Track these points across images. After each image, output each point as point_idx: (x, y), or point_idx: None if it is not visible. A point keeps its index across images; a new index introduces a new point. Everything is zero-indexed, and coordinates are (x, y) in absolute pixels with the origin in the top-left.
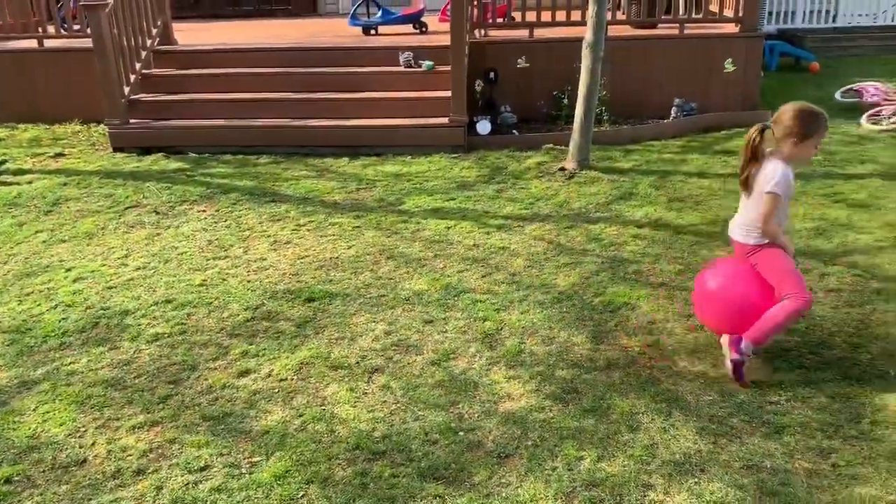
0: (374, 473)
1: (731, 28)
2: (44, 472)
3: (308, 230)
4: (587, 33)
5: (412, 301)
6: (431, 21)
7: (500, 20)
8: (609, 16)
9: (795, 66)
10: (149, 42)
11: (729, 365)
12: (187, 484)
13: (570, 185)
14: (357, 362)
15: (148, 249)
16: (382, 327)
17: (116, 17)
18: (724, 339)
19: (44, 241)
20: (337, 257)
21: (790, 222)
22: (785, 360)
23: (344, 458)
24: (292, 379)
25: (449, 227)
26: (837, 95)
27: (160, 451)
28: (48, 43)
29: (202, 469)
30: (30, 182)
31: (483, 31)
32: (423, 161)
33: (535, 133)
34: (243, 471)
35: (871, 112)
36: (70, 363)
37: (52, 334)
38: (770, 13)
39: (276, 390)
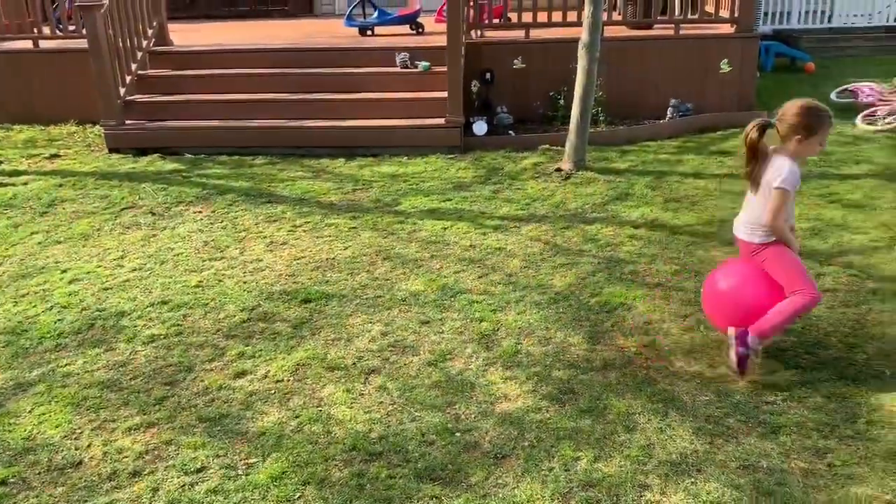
0: (370, 474)
1: (727, 29)
2: (39, 474)
3: (304, 231)
4: (583, 34)
5: (409, 302)
6: (428, 22)
7: (496, 21)
8: (605, 16)
9: (791, 67)
10: (144, 43)
11: (733, 357)
12: (183, 485)
13: (566, 186)
14: (353, 363)
15: (144, 251)
16: (379, 328)
17: (112, 17)
18: (731, 331)
19: (39, 243)
20: (333, 258)
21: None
22: (781, 361)
23: (340, 459)
24: (289, 380)
25: (445, 228)
26: (833, 96)
27: (156, 452)
28: (43, 44)
29: (198, 470)
30: (25, 183)
31: (479, 32)
32: (420, 162)
33: (531, 134)
34: (240, 472)
35: (866, 112)
36: (66, 365)
37: (48, 336)
38: (766, 13)
39: (273, 391)
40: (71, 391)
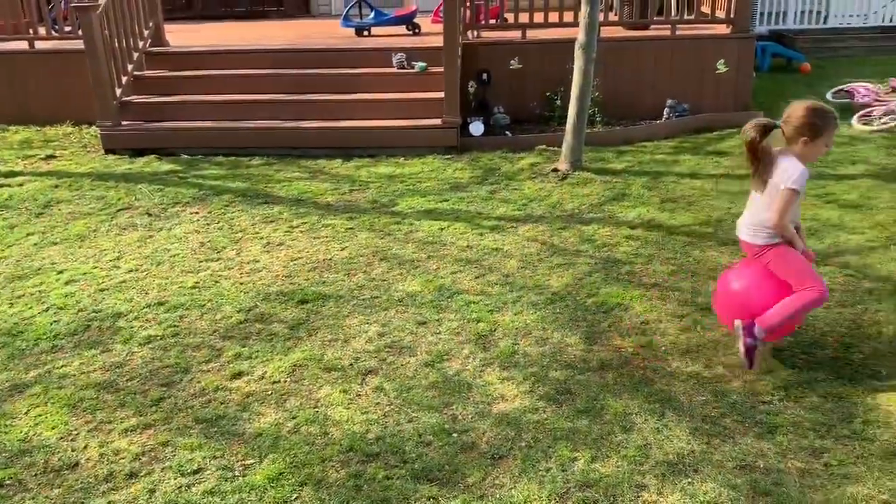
0: (367, 475)
1: (723, 29)
2: (35, 475)
3: (301, 232)
4: (579, 34)
5: (405, 302)
6: (424, 22)
7: (492, 21)
8: (601, 17)
9: (787, 67)
10: (140, 43)
11: (741, 349)
12: (180, 487)
13: (562, 186)
14: (350, 364)
15: (140, 251)
16: (376, 329)
17: (108, 18)
18: (737, 323)
19: (35, 244)
20: (330, 259)
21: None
22: (777, 360)
23: (337, 460)
24: (285, 381)
25: (442, 229)
26: (829, 96)
27: (153, 453)
28: (39, 44)
29: (195, 472)
30: (21, 184)
31: (476, 33)
32: (417, 162)
33: (527, 134)
34: (236, 473)
35: (862, 113)
36: (62, 366)
37: (44, 337)
38: (762, 14)
39: (270, 392)
40: (67, 392)
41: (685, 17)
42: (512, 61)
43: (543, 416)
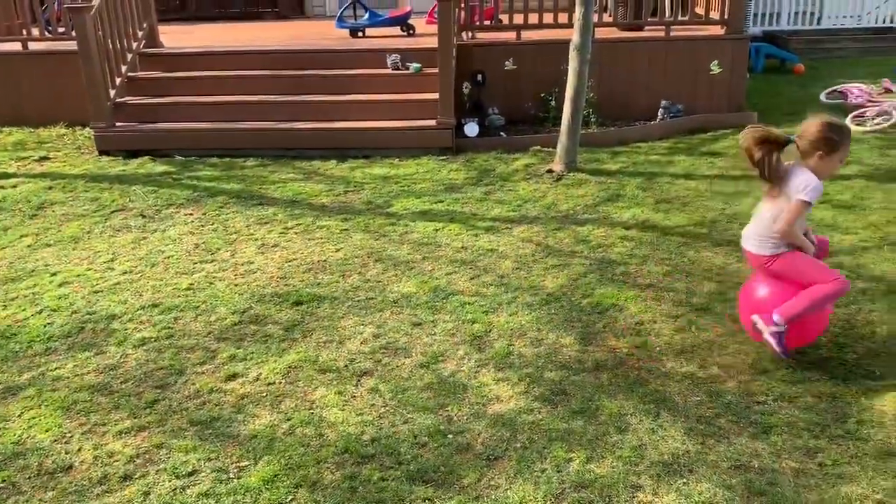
0: (363, 477)
1: (717, 30)
2: (29, 478)
3: (296, 233)
4: (574, 35)
5: (400, 304)
6: (419, 23)
7: (487, 22)
8: (596, 18)
9: (781, 68)
10: (134, 45)
11: (770, 339)
12: (175, 489)
13: (557, 187)
14: (345, 365)
15: (134, 253)
16: (371, 330)
17: (101, 19)
18: (755, 318)
19: (29, 246)
20: (325, 260)
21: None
22: (772, 361)
23: (333, 462)
24: (280, 383)
25: (437, 230)
26: (822, 97)
27: (147, 456)
28: (32, 45)
29: (190, 474)
30: (14, 186)
31: (470, 34)
32: (411, 163)
33: (522, 135)
34: (231, 475)
35: (855, 113)
36: (56, 368)
37: (38, 339)
38: (755, 15)
39: (264, 394)
40: (61, 395)
41: (679, 18)
42: (507, 62)
43: (538, 416)
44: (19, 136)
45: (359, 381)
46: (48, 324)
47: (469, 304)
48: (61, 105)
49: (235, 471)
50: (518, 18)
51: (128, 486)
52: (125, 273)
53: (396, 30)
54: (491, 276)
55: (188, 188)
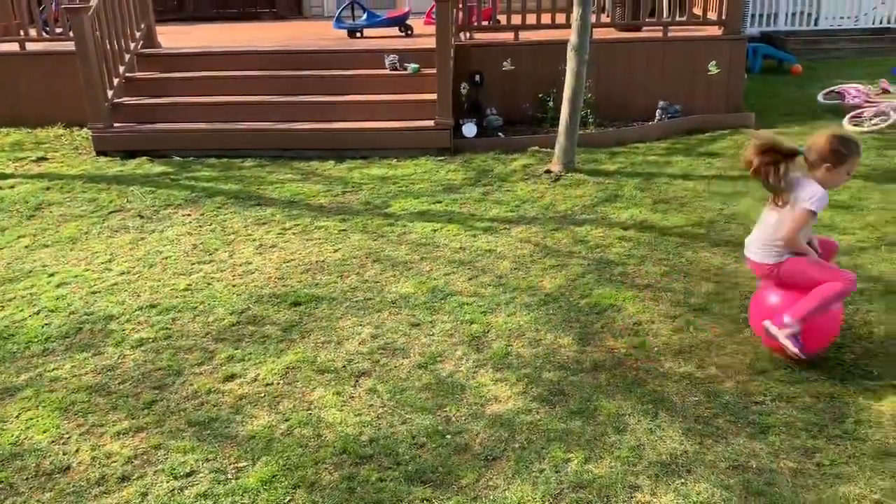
0: (361, 478)
1: (715, 31)
2: (27, 479)
3: (294, 234)
4: (572, 36)
5: (399, 304)
6: (417, 24)
7: (485, 23)
8: (593, 18)
9: (778, 69)
10: (132, 45)
11: (786, 342)
12: (173, 490)
13: (555, 188)
14: (343, 366)
15: (132, 254)
16: (369, 331)
17: (99, 20)
18: (767, 324)
19: (26, 246)
20: (323, 261)
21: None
22: (769, 361)
23: (331, 463)
24: (278, 383)
25: (435, 230)
26: (820, 97)
27: (145, 457)
28: (30, 46)
29: (188, 475)
30: (12, 186)
31: (468, 34)
32: (409, 164)
33: (520, 136)
34: (229, 476)
35: (852, 114)
36: (53, 369)
37: (35, 340)
38: (753, 16)
39: (262, 395)
40: (59, 396)
41: (677, 18)
42: (504, 63)
43: (537, 417)
44: (17, 136)
45: (357, 381)
46: (46, 324)
47: (467, 304)
48: (59, 105)
49: (233, 471)
50: (516, 19)
51: (126, 486)
52: (123, 274)
53: (394, 30)
54: (489, 276)
55: (186, 189)
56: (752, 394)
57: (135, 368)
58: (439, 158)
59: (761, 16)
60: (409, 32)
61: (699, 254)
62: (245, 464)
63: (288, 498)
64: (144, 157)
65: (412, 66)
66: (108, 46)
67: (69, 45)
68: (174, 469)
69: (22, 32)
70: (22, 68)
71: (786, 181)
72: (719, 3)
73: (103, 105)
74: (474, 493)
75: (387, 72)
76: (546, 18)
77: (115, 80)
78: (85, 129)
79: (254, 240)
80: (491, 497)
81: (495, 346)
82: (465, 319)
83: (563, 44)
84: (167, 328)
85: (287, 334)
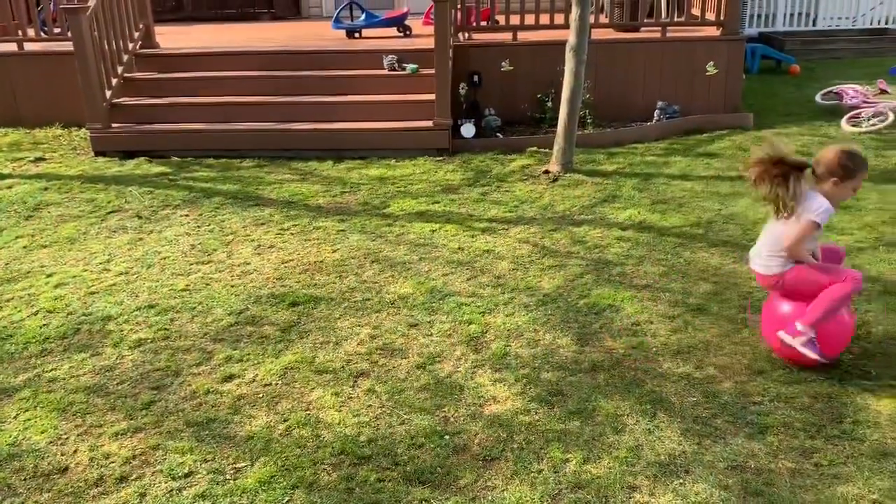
0: (359, 478)
1: (713, 31)
2: (25, 480)
3: (292, 234)
4: (570, 37)
5: (397, 305)
6: (415, 24)
7: (483, 24)
8: (592, 19)
9: (776, 69)
10: (130, 45)
11: (805, 350)
12: (171, 491)
13: (554, 188)
14: (342, 366)
15: (130, 254)
16: (367, 331)
17: (97, 20)
18: (782, 334)
19: (24, 247)
20: (321, 261)
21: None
22: (768, 361)
23: (329, 463)
24: (277, 384)
25: (434, 231)
26: (818, 98)
27: (143, 457)
28: (28, 46)
29: (186, 475)
30: (10, 187)
31: (467, 35)
32: (408, 164)
33: (519, 136)
34: (228, 477)
35: (851, 114)
36: (51, 370)
37: (33, 340)
38: (751, 16)
39: (261, 395)
40: (57, 396)
41: (675, 19)
42: (503, 63)
43: (535, 417)
44: (15, 136)
45: (355, 382)
46: (44, 325)
47: (466, 304)
48: (57, 106)
49: (232, 472)
50: (514, 19)
51: (124, 487)
52: (121, 274)
53: (393, 31)
54: (487, 276)
55: (184, 189)
56: (750, 394)
57: (133, 369)
58: (438, 159)
59: (759, 16)
60: (408, 33)
61: (697, 254)
62: (243, 464)
63: (286, 498)
64: (143, 158)
65: (411, 67)
66: (107, 47)
67: (67, 46)
68: (172, 470)
69: (20, 32)
70: (20, 68)
71: (794, 193)
72: (717, 4)
73: (101, 105)
74: (473, 494)
75: (385, 72)
76: (544, 19)
77: (114, 81)
78: (83, 130)
79: (252, 240)
80: (489, 497)
81: (494, 346)
82: (464, 320)
83: (561, 44)
84: (165, 328)
85: (285, 335)
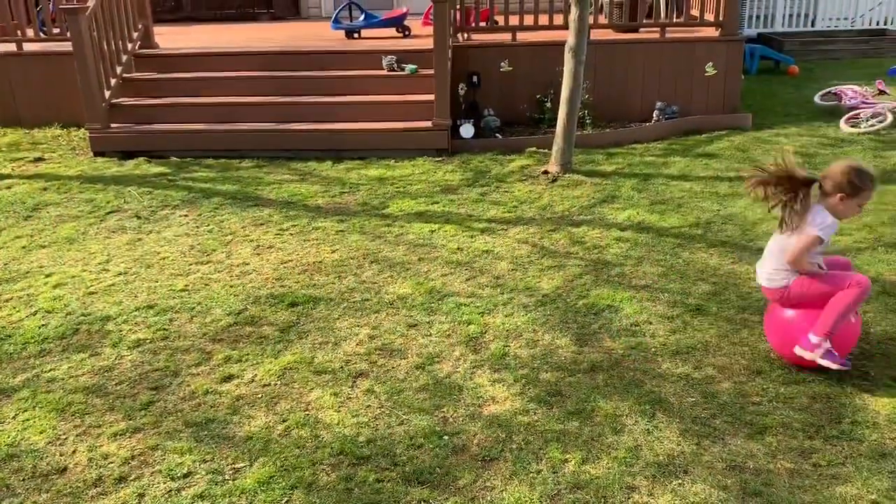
0: (358, 478)
1: (712, 32)
2: (24, 480)
3: (291, 234)
4: (569, 37)
5: (396, 305)
6: (414, 25)
7: (482, 24)
8: (591, 20)
9: (775, 70)
10: (129, 46)
11: (824, 362)
12: (170, 491)
13: (553, 189)
14: (341, 367)
15: (129, 255)
16: (366, 331)
17: (96, 20)
18: (798, 349)
19: (23, 247)
20: (320, 261)
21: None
22: (766, 361)
23: (328, 464)
24: (276, 384)
25: (433, 231)
26: (816, 98)
27: (142, 458)
28: (27, 46)
29: (185, 476)
30: (9, 187)
31: (466, 35)
32: (407, 165)
33: (518, 136)
34: (227, 477)
35: (849, 115)
36: (50, 370)
37: (32, 341)
38: (750, 17)
39: (260, 396)
40: (55, 397)
41: (674, 20)
42: (502, 64)
43: (534, 417)
44: (14, 137)
45: (354, 382)
46: (43, 325)
47: (465, 305)
48: (56, 106)
49: (231, 472)
50: (514, 20)
51: (122, 488)
52: (120, 274)
53: (392, 31)
54: (487, 277)
55: (183, 189)
56: (749, 394)
57: (132, 369)
58: (437, 159)
59: (758, 17)
60: (407, 33)
61: (696, 254)
62: (242, 465)
63: (285, 499)
64: (142, 158)
65: (410, 67)
66: (106, 47)
67: (66, 46)
68: (171, 470)
69: (19, 33)
70: (19, 69)
71: (801, 210)
72: (716, 5)
73: (100, 105)
74: (472, 494)
75: (384, 72)
76: (543, 20)
77: (113, 81)
78: (82, 130)
79: (251, 240)
80: (488, 498)
81: (493, 346)
82: (463, 320)
83: (560, 45)
84: (164, 329)
85: (284, 335)
